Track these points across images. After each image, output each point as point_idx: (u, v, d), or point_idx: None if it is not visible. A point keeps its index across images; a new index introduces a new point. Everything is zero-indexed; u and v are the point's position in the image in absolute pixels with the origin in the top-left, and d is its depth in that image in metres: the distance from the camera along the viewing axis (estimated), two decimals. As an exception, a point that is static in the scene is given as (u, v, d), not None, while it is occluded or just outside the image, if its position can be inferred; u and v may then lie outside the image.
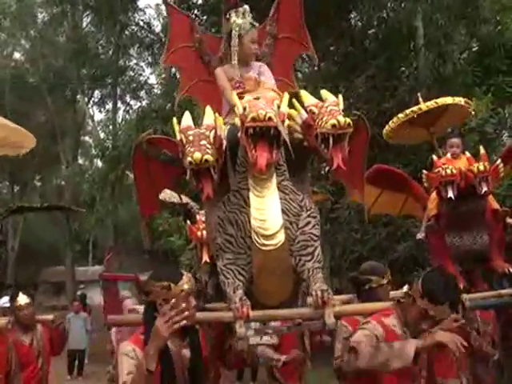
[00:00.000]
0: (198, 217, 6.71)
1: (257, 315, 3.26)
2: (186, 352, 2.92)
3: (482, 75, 12.64)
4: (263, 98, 3.17)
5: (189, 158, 3.06)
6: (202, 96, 4.45)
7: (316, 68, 16.62)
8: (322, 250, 3.57)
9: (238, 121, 3.25)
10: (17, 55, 30.32)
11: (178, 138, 3.24)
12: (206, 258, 6.05)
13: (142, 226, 5.60)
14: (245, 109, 3.12)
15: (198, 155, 3.04)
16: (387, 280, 4.03)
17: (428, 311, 3.03)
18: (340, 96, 3.36)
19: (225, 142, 3.31)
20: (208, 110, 3.47)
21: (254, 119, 2.98)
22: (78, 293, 16.45)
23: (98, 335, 13.10)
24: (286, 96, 3.34)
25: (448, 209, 5.11)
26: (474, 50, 14.63)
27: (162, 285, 2.86)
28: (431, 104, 5.54)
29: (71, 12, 24.90)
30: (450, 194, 4.92)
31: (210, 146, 3.13)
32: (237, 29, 4.11)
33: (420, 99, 5.71)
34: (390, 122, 5.85)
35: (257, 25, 4.19)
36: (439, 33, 13.74)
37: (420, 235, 5.55)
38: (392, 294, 4.06)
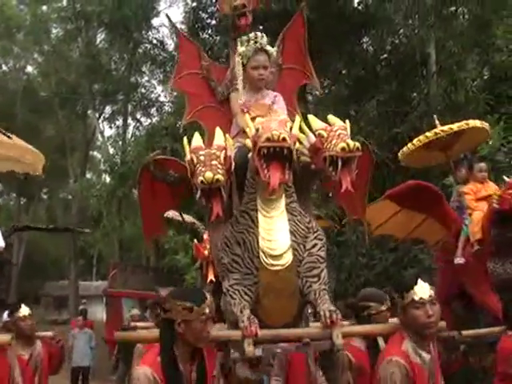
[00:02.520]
0: (204, 236, 6.69)
1: (265, 334, 3.22)
2: (195, 377, 2.85)
3: (493, 103, 12.62)
4: (274, 120, 3.19)
5: (200, 178, 3.08)
6: (207, 121, 4.52)
7: (327, 91, 16.68)
8: (327, 273, 3.56)
9: (248, 142, 3.26)
10: (29, 69, 30.68)
11: (189, 157, 3.27)
12: (211, 277, 6.02)
13: (147, 246, 5.54)
14: (257, 130, 3.14)
15: (209, 175, 3.06)
16: (386, 307, 3.97)
17: (411, 305, 3.04)
18: (347, 121, 3.39)
19: (233, 163, 3.35)
20: (218, 130, 3.51)
21: (268, 139, 3.00)
22: (80, 307, 16.29)
23: (100, 351, 12.95)
24: (298, 119, 3.36)
25: (498, 234, 5.01)
26: (486, 77, 14.64)
27: (184, 305, 2.78)
28: (458, 126, 5.46)
29: (85, 28, 25.17)
30: None
31: (220, 166, 3.16)
32: (240, 57, 4.19)
33: (437, 122, 5.67)
34: (409, 145, 5.76)
35: (267, 48, 4.18)
36: (452, 60, 13.77)
37: (460, 260, 5.38)
38: (390, 321, 4.00)
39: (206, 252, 6.34)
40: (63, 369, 12.23)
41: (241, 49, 4.20)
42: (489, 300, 5.04)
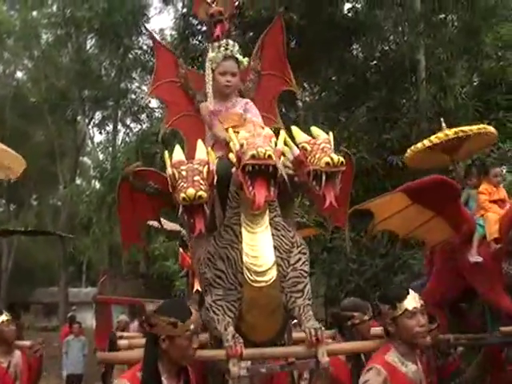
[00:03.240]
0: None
1: (250, 353, 3.19)
2: None
3: (483, 110, 12.70)
4: (259, 135, 3.13)
5: (182, 194, 3.01)
6: (186, 129, 4.50)
7: (317, 97, 16.71)
8: (318, 279, 3.56)
9: (232, 156, 3.20)
10: (19, 74, 30.57)
11: (170, 172, 3.19)
12: (197, 286, 5.96)
13: (124, 255, 5.43)
14: (242, 145, 3.09)
15: (191, 191, 3.00)
16: (369, 317, 4.01)
17: (404, 315, 3.05)
18: (331, 133, 3.36)
19: (215, 177, 3.28)
20: (200, 144, 3.43)
21: (253, 156, 2.94)
22: (69, 314, 16.16)
23: (89, 358, 12.85)
24: (283, 134, 3.31)
25: None
26: (475, 84, 14.72)
27: (168, 320, 2.76)
28: (478, 128, 5.46)
29: (75, 34, 25.08)
30: None
31: (203, 182, 3.09)
32: (210, 63, 4.17)
33: (443, 125, 5.67)
34: (414, 147, 5.74)
35: (237, 56, 4.17)
36: (441, 67, 13.85)
37: (476, 258, 5.32)
38: (373, 330, 3.99)
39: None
40: (56, 376, 12.12)
41: (211, 54, 4.18)
42: (503, 301, 5.03)
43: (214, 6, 4.49)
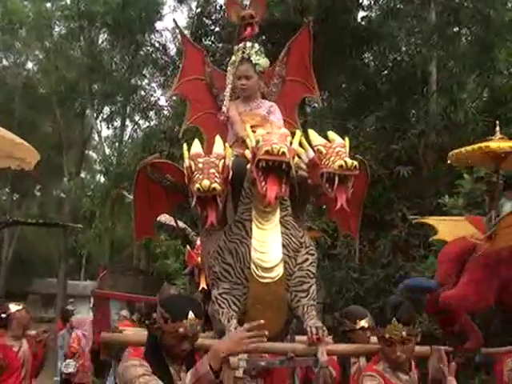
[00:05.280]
0: (197, 242, 6.64)
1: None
2: (184, 376, 2.81)
3: (492, 125, 12.65)
4: (275, 133, 3.20)
5: (197, 185, 3.09)
6: (207, 127, 4.55)
7: (326, 104, 16.71)
8: (318, 286, 3.59)
9: (248, 152, 3.30)
10: (30, 65, 30.60)
11: (187, 164, 3.28)
12: (203, 284, 5.98)
13: (136, 247, 5.48)
14: (258, 142, 3.16)
15: (206, 183, 3.07)
16: (368, 324, 4.01)
17: (382, 339, 3.09)
18: (347, 138, 3.42)
19: (231, 172, 3.34)
20: (218, 139, 3.52)
21: (267, 152, 3.02)
22: (68, 307, 16.10)
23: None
24: (299, 134, 3.38)
25: None
26: (485, 99, 14.69)
27: (162, 313, 2.81)
28: None
29: (88, 28, 25.10)
30: None
31: (218, 175, 3.17)
32: (231, 66, 4.30)
33: (497, 128, 5.58)
34: (468, 148, 5.65)
35: (252, 58, 4.23)
36: (452, 80, 13.86)
37: None
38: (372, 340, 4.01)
39: (199, 259, 6.30)
40: (53, 367, 12.16)
41: (233, 58, 4.31)
42: None
43: (246, 9, 4.55)
